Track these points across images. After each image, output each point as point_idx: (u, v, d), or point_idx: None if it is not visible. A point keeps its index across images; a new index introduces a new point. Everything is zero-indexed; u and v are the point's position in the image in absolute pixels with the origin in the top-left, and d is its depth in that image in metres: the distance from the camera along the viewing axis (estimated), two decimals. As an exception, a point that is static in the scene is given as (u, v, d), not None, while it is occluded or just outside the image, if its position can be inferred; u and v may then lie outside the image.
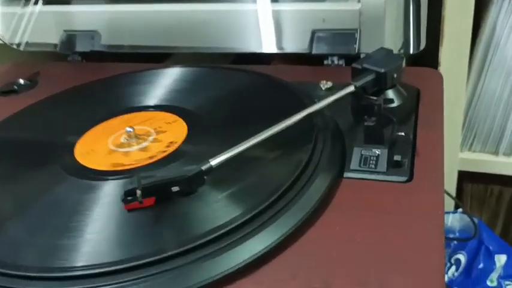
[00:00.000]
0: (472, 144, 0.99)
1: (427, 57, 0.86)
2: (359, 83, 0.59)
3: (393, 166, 0.53)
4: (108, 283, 0.43)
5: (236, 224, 0.45)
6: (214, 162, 0.50)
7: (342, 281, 0.43)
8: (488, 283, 0.96)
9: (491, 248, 0.97)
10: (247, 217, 0.46)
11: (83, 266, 0.44)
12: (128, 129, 0.59)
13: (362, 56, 0.77)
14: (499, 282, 0.95)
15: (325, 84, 0.69)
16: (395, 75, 0.61)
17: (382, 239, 0.46)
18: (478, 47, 0.89)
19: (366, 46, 0.78)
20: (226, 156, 0.51)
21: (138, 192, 0.46)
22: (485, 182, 1.08)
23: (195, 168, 0.49)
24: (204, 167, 0.49)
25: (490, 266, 0.97)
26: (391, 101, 0.62)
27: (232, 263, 0.44)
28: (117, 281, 0.42)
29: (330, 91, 0.69)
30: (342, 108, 0.62)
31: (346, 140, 0.58)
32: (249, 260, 0.44)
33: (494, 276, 0.98)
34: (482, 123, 0.96)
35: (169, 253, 0.43)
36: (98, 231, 0.48)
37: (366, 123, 0.55)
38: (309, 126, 0.57)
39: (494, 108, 0.93)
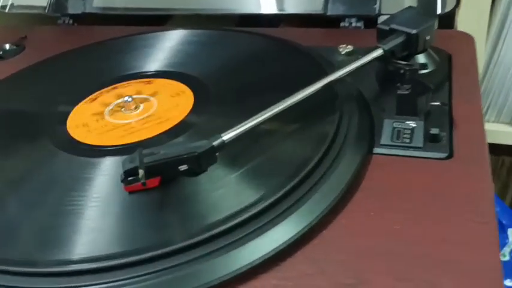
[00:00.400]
0: (485, 114, 0.93)
1: (441, 21, 0.78)
2: (388, 46, 0.52)
3: (430, 140, 0.47)
4: (106, 280, 0.36)
5: (254, 211, 0.39)
6: (226, 137, 0.43)
7: (379, 278, 0.36)
8: (501, 257, 0.91)
9: (504, 222, 0.92)
10: (266, 203, 0.39)
11: (77, 261, 0.38)
12: (127, 98, 0.52)
13: (381, 18, 0.69)
14: (511, 257, 0.91)
15: (344, 48, 0.62)
16: (427, 37, 0.54)
17: (425, 227, 0.39)
18: (496, 12, 0.82)
19: (387, 7, 0.71)
20: (240, 130, 0.44)
21: (141, 171, 0.39)
22: (497, 153, 1.03)
23: (206, 144, 0.42)
24: (215, 143, 0.42)
25: (503, 240, 0.92)
26: (424, 66, 0.54)
27: (251, 257, 0.37)
28: (115, 279, 0.36)
29: (350, 56, 0.62)
30: (363, 75, 0.54)
31: (372, 111, 0.51)
32: (270, 253, 0.38)
33: (506, 250, 0.93)
34: (498, 93, 0.90)
35: (177, 246, 0.37)
36: (93, 219, 0.41)
37: (399, 92, 0.48)
38: (331, 95, 0.50)
39: (510, 78, 0.87)
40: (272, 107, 0.46)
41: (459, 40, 0.64)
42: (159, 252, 0.37)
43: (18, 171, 0.48)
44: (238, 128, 0.44)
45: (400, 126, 0.48)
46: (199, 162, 0.42)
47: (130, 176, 0.41)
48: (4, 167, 0.49)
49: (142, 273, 0.36)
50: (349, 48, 0.62)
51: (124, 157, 0.45)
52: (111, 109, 0.53)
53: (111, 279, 0.36)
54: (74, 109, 0.54)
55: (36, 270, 0.37)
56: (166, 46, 0.64)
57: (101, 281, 0.36)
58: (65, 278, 0.37)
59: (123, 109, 0.53)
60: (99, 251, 0.38)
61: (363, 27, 0.71)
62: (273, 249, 0.38)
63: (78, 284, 0.36)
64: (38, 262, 0.38)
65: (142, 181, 0.39)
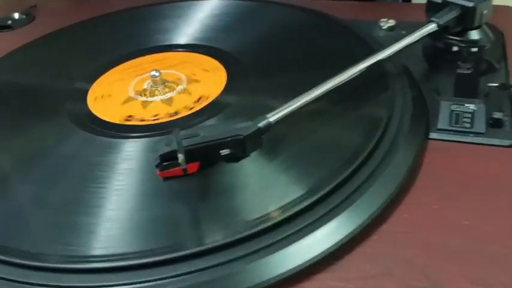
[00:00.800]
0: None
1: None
2: (442, 21, 0.47)
3: (493, 126, 0.42)
4: (131, 281, 0.32)
5: (305, 205, 0.34)
6: (273, 118, 0.39)
7: (454, 281, 0.32)
8: None
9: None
10: (318, 196, 0.35)
11: (97, 257, 0.33)
12: (153, 73, 0.47)
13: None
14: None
15: (386, 23, 0.57)
16: (484, 12, 0.49)
17: (498, 223, 0.35)
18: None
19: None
20: (287, 110, 0.39)
21: (180, 156, 0.35)
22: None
23: (251, 126, 0.37)
24: (261, 124, 0.38)
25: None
26: (478, 43, 0.50)
27: (303, 256, 0.33)
28: (140, 280, 0.32)
29: (392, 31, 0.57)
30: (407, 52, 0.49)
31: (423, 89, 0.47)
32: (325, 252, 0.33)
33: None
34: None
35: (220, 243, 0.33)
36: (115, 209, 0.37)
37: (458, 71, 0.43)
38: (380, 74, 0.45)
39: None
40: (319, 86, 0.41)
41: (508, 15, 0.59)
42: (200, 249, 0.32)
43: (33, 152, 0.43)
44: (284, 108, 0.39)
45: (458, 109, 0.44)
46: (244, 146, 0.37)
47: (166, 161, 0.36)
48: (16, 147, 0.44)
49: (160, 276, 0.32)
50: (391, 22, 0.57)
51: (155, 139, 0.41)
52: (136, 84, 0.48)
53: (138, 280, 0.32)
54: (95, 83, 0.50)
55: (54, 266, 0.33)
56: (197, 17, 0.59)
57: (123, 282, 0.32)
58: (85, 276, 0.33)
59: (149, 85, 0.48)
60: (120, 247, 0.34)
61: (401, 0, 0.66)
62: (328, 248, 0.33)
63: (98, 283, 0.32)
64: (55, 257, 0.33)
65: (183, 167, 0.35)
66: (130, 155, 0.41)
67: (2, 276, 0.33)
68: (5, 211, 0.38)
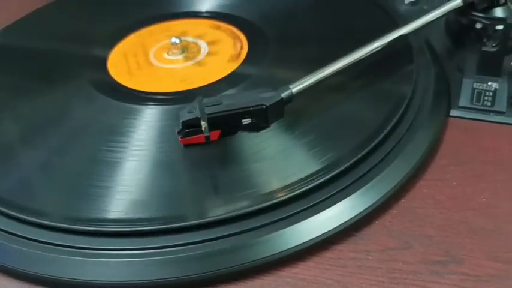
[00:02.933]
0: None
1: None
2: (468, -3, 0.46)
3: (514, 105, 0.42)
4: (147, 246, 0.32)
5: (327, 177, 0.34)
6: (295, 88, 0.38)
7: (472, 257, 0.32)
8: None
9: None
10: (340, 169, 0.35)
11: (116, 220, 0.34)
12: (174, 40, 0.47)
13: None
14: None
15: (409, -3, 0.56)
16: (511, -12, 0.48)
17: (518, 202, 0.35)
18: None
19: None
20: (309, 82, 0.39)
21: (204, 124, 0.35)
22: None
23: (274, 96, 0.37)
24: (284, 94, 0.38)
25: None
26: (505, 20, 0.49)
27: (324, 226, 0.33)
28: (157, 245, 0.32)
29: (415, 6, 0.56)
30: (429, 28, 0.49)
31: (445, 66, 0.46)
32: (346, 223, 0.33)
33: None
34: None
35: (240, 212, 0.33)
36: (136, 174, 0.37)
37: (484, 49, 0.43)
38: (404, 48, 0.45)
39: None
40: (341, 59, 0.41)
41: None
42: (219, 217, 0.33)
43: (53, 116, 0.43)
44: (307, 80, 0.39)
45: (481, 87, 0.43)
46: (266, 116, 0.37)
47: (188, 128, 0.36)
48: (37, 111, 0.44)
49: (179, 242, 0.32)
50: (414, -4, 0.56)
51: (176, 106, 0.41)
52: (157, 51, 0.48)
53: (157, 245, 0.32)
54: (114, 48, 0.49)
55: (72, 227, 0.33)
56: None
57: (145, 246, 0.32)
58: (100, 239, 0.33)
59: (169, 52, 0.47)
60: (143, 212, 0.34)
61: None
62: (349, 219, 0.34)
63: (112, 246, 0.33)
64: (70, 218, 0.34)
65: (206, 134, 0.35)
66: (150, 121, 0.41)
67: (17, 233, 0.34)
68: (23, 173, 0.38)
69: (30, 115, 0.43)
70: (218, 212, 0.33)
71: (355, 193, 0.34)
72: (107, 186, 0.36)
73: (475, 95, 0.43)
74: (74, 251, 0.32)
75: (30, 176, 0.38)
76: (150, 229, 0.32)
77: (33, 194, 0.36)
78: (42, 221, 0.33)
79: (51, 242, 0.33)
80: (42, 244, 0.33)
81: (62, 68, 0.48)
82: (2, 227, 0.34)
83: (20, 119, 0.43)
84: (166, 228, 0.32)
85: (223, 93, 0.41)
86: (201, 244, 0.32)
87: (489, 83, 0.43)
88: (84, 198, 0.35)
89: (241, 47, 0.47)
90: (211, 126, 0.36)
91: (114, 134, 0.40)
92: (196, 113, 0.35)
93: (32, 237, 0.33)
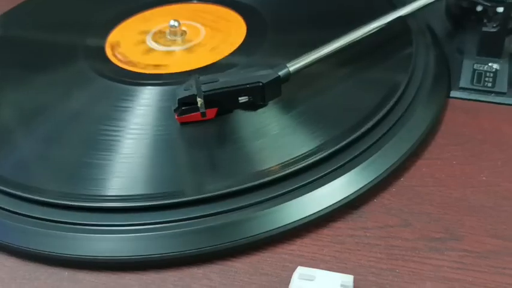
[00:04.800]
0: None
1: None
2: (468, -21, 0.46)
3: (515, 86, 0.41)
4: (150, 221, 0.32)
5: (325, 154, 0.34)
6: (292, 67, 0.38)
7: (472, 234, 0.32)
8: None
9: None
10: (339, 146, 0.35)
11: (114, 196, 0.33)
12: (172, 22, 0.46)
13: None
14: None
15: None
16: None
17: (519, 180, 0.35)
18: None
19: None
20: (307, 61, 0.39)
21: (200, 100, 0.34)
22: None
23: (271, 74, 0.37)
24: (281, 73, 0.37)
25: None
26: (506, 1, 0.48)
27: (322, 203, 0.33)
28: (156, 220, 0.32)
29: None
30: (428, 10, 0.48)
31: (445, 48, 0.46)
32: (344, 200, 0.33)
33: None
34: None
35: (238, 188, 0.32)
36: (139, 151, 0.36)
37: (484, 29, 0.42)
38: (402, 30, 0.45)
39: None
40: (340, 38, 0.40)
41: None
42: (216, 193, 0.32)
43: (52, 97, 0.43)
44: (304, 59, 0.39)
45: (481, 68, 0.43)
46: (263, 94, 0.37)
47: (184, 105, 0.36)
48: (37, 92, 0.43)
49: (175, 218, 0.32)
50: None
51: (172, 87, 0.40)
52: (154, 34, 0.48)
53: (155, 220, 0.32)
54: (112, 32, 0.49)
55: (77, 204, 0.33)
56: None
57: (143, 221, 0.32)
58: (98, 214, 0.32)
59: (167, 35, 0.47)
60: (142, 189, 0.34)
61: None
62: (347, 196, 0.33)
63: (104, 222, 0.32)
64: (70, 195, 0.33)
65: (202, 111, 0.34)
66: (147, 102, 0.40)
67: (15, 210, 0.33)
68: (24, 152, 0.38)
69: (29, 98, 0.43)
70: (215, 188, 0.32)
71: (353, 170, 0.34)
72: (105, 163, 0.35)
73: (475, 76, 0.42)
74: (72, 227, 0.32)
75: (29, 155, 0.38)
76: (146, 205, 0.32)
77: (32, 172, 0.36)
78: (41, 198, 0.33)
79: (50, 218, 0.33)
80: (40, 221, 0.33)
81: (60, 52, 0.48)
82: (2, 206, 0.34)
83: (19, 101, 0.43)
84: (162, 204, 0.32)
85: (221, 72, 0.41)
86: (197, 220, 0.31)
87: (490, 64, 0.43)
88: (83, 176, 0.35)
89: (240, 31, 0.47)
90: (208, 103, 0.35)
91: (112, 115, 0.39)
92: (193, 90, 0.35)
93: (31, 214, 0.33)
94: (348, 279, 0.27)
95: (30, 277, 0.32)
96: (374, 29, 0.42)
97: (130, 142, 0.37)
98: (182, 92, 0.36)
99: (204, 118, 0.35)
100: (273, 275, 0.30)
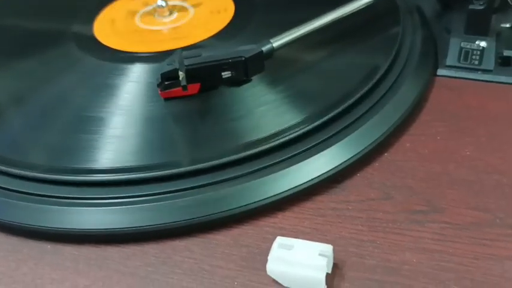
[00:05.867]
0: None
1: None
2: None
3: (502, 63, 0.41)
4: (131, 194, 0.32)
5: (309, 127, 0.34)
6: (276, 43, 0.38)
7: (453, 206, 0.32)
8: None
9: None
10: (322, 120, 0.34)
11: (105, 170, 0.33)
12: (160, 2, 0.46)
13: None
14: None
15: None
16: None
17: (499, 155, 0.35)
18: None
19: None
20: (291, 36, 0.39)
21: (181, 74, 0.34)
22: None
23: (254, 49, 0.37)
24: (264, 48, 0.37)
25: None
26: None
27: (305, 176, 0.33)
28: (137, 193, 0.32)
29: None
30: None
31: (433, 28, 0.46)
32: (326, 174, 0.33)
33: None
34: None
35: (223, 160, 0.32)
36: (123, 127, 0.36)
37: (471, 7, 0.42)
38: (390, 8, 0.45)
39: None
40: (325, 15, 0.40)
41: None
42: (198, 167, 0.32)
43: (42, 76, 0.43)
44: (289, 35, 0.39)
45: (468, 46, 0.43)
46: (246, 69, 0.37)
47: (167, 80, 0.36)
48: (26, 71, 0.43)
49: (163, 190, 0.32)
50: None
51: (157, 64, 0.40)
52: (143, 14, 0.48)
53: (136, 193, 0.32)
54: (101, 14, 0.49)
55: (60, 178, 0.33)
56: None
57: (124, 194, 0.32)
58: (89, 188, 0.33)
59: (155, 14, 0.47)
60: (124, 162, 0.34)
61: None
62: (329, 170, 0.33)
63: (86, 195, 0.32)
64: (61, 170, 0.33)
65: (183, 84, 0.34)
66: (135, 78, 0.40)
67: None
68: (14, 128, 0.38)
69: (20, 77, 0.43)
70: (197, 161, 0.32)
71: (336, 144, 0.34)
72: (95, 138, 0.35)
73: (462, 54, 0.42)
74: (54, 201, 0.32)
75: (18, 131, 0.38)
76: (127, 178, 0.32)
77: (20, 147, 0.36)
78: (24, 172, 0.33)
79: (32, 192, 0.33)
80: (23, 194, 0.33)
81: (49, 34, 0.48)
82: None
83: (10, 80, 0.43)
84: (144, 177, 0.32)
85: (206, 47, 0.41)
86: (179, 193, 0.32)
87: (477, 42, 0.43)
88: (68, 151, 0.35)
89: (227, 10, 0.47)
90: (191, 78, 0.35)
91: (101, 92, 0.39)
92: (175, 65, 0.35)
93: (14, 188, 0.33)
94: (327, 248, 0.28)
95: (13, 250, 0.32)
96: (361, 5, 0.42)
97: (119, 118, 0.37)
98: (165, 67, 0.36)
99: (185, 92, 0.35)
100: (253, 247, 0.30)
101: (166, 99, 0.37)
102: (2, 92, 0.42)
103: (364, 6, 0.41)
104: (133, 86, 0.40)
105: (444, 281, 0.28)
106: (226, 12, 0.46)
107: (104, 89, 0.40)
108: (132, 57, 0.43)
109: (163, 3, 0.46)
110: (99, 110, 0.38)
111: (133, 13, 0.48)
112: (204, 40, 0.43)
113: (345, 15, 0.40)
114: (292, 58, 0.40)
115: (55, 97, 0.40)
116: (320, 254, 0.27)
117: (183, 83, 0.34)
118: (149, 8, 0.48)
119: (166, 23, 0.46)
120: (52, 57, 0.45)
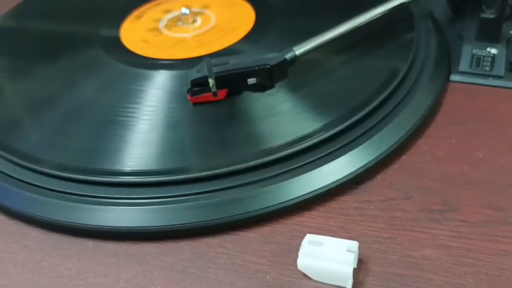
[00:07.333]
0: None
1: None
2: (467, -33, 0.48)
3: (512, 70, 0.44)
4: (168, 194, 0.34)
5: (332, 132, 0.36)
6: (299, 51, 0.40)
7: (468, 206, 0.34)
8: None
9: None
10: (345, 125, 0.37)
11: (126, 172, 0.36)
12: (184, 10, 0.48)
13: None
14: None
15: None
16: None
17: (509, 157, 0.37)
18: None
19: None
20: (312, 44, 0.41)
21: (211, 81, 0.36)
22: None
23: (278, 56, 0.39)
24: (288, 56, 0.39)
25: None
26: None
27: (328, 178, 0.35)
28: (173, 194, 0.34)
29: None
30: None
31: (445, 34, 0.48)
32: (349, 175, 0.35)
33: None
34: None
35: (248, 164, 0.35)
36: (148, 131, 0.39)
37: (482, 15, 0.44)
38: (405, 15, 0.47)
39: None
40: (344, 23, 0.42)
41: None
42: (239, 167, 0.35)
43: (70, 80, 0.45)
44: (310, 42, 0.41)
45: (480, 53, 0.45)
46: (270, 76, 0.39)
47: (197, 86, 0.38)
48: (55, 74, 0.46)
49: (187, 192, 0.34)
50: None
51: (184, 71, 0.42)
52: (167, 21, 0.50)
53: (173, 194, 0.34)
54: (126, 20, 0.51)
55: (88, 178, 0.35)
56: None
57: (162, 195, 0.34)
58: (129, 189, 0.35)
59: (179, 22, 0.49)
60: (162, 165, 0.36)
61: None
62: (352, 172, 0.36)
63: (126, 195, 0.35)
64: (89, 170, 0.36)
65: (213, 90, 0.37)
66: (159, 85, 0.42)
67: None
68: (45, 129, 0.40)
69: (49, 82, 0.45)
70: (230, 164, 0.35)
71: (357, 148, 0.36)
72: (121, 142, 0.38)
73: (474, 61, 0.44)
74: (97, 201, 0.35)
75: (56, 133, 0.40)
76: (168, 179, 0.34)
77: (56, 149, 0.38)
78: (68, 174, 0.35)
79: (76, 192, 0.35)
80: (67, 195, 0.35)
81: (77, 40, 0.50)
82: (30, 181, 0.36)
83: (39, 85, 0.45)
84: (181, 178, 0.34)
85: (231, 55, 0.43)
86: (214, 193, 0.34)
87: (488, 49, 0.45)
88: (103, 152, 0.37)
89: (248, 16, 0.49)
90: (219, 85, 0.38)
91: (127, 97, 0.41)
92: (204, 72, 0.37)
93: (68, 191, 0.35)
94: (353, 244, 0.30)
95: (56, 246, 0.34)
96: (378, 14, 0.44)
97: (145, 122, 0.39)
98: (194, 74, 0.38)
99: (215, 98, 0.38)
100: (282, 243, 0.33)
101: (194, 104, 0.39)
102: (32, 95, 0.44)
103: (380, 15, 0.43)
104: (159, 92, 0.42)
105: (461, 275, 0.30)
106: (248, 18, 0.48)
107: (130, 95, 0.41)
108: (157, 64, 0.45)
109: (187, 11, 0.49)
110: (127, 115, 0.40)
111: (157, 20, 0.50)
112: (227, 47, 0.45)
113: (363, 23, 0.42)
114: (311, 64, 0.42)
115: (83, 103, 0.42)
116: (348, 250, 0.29)
117: (214, 89, 0.36)
118: (173, 15, 0.50)
119: (189, 30, 0.49)
120: (80, 62, 0.47)
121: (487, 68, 0.44)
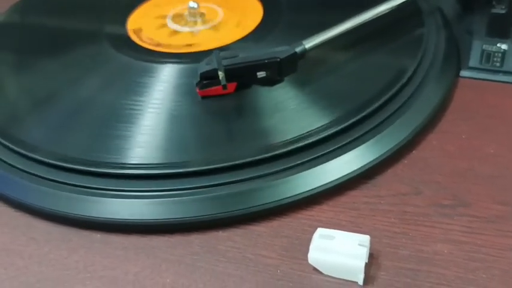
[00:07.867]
0: None
1: None
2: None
3: (522, 65, 0.43)
4: (176, 187, 0.34)
5: (342, 126, 0.36)
6: (308, 44, 0.40)
7: (479, 200, 0.34)
8: None
9: None
10: (355, 119, 0.36)
11: (135, 164, 0.35)
12: (192, 4, 0.48)
13: None
14: None
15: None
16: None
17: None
18: None
19: None
20: (322, 38, 0.41)
21: (221, 73, 0.36)
22: None
23: (288, 50, 0.39)
24: (297, 49, 0.39)
25: None
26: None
27: (338, 172, 0.35)
28: (182, 186, 0.34)
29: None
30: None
31: (454, 30, 0.48)
32: (359, 170, 0.35)
33: None
34: None
35: (257, 157, 0.34)
36: (155, 125, 0.38)
37: (493, 11, 0.44)
38: (413, 11, 0.46)
39: None
40: (354, 18, 0.42)
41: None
42: (248, 160, 0.34)
43: (76, 73, 0.44)
44: (320, 36, 0.40)
45: (490, 48, 0.44)
46: (280, 69, 0.39)
47: (206, 79, 0.38)
48: (62, 68, 0.45)
49: (192, 185, 0.34)
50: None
51: (193, 65, 0.42)
52: (173, 16, 0.49)
53: (181, 186, 0.34)
54: (133, 14, 0.50)
55: (93, 170, 0.35)
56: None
57: (170, 187, 0.34)
58: (137, 182, 0.35)
59: (187, 16, 0.49)
60: (171, 158, 0.36)
61: None
62: (362, 166, 0.35)
63: (131, 188, 0.34)
64: (97, 162, 0.36)
65: (223, 83, 0.36)
66: (167, 78, 0.42)
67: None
68: (53, 123, 0.40)
69: (56, 75, 0.45)
70: (238, 158, 0.34)
71: (367, 143, 0.36)
72: (127, 134, 0.37)
73: (484, 56, 0.44)
74: (105, 193, 0.34)
75: (59, 127, 0.39)
76: (175, 172, 0.34)
77: (65, 142, 0.38)
78: (73, 166, 0.35)
79: (84, 184, 0.35)
80: (75, 187, 0.35)
81: (82, 34, 0.50)
82: (38, 173, 0.36)
83: (47, 77, 0.45)
84: (189, 171, 0.34)
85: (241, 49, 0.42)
86: (222, 186, 0.34)
87: (498, 45, 0.44)
88: (111, 145, 0.37)
89: (256, 11, 0.48)
90: (228, 78, 0.37)
91: (134, 90, 0.41)
92: (214, 65, 0.37)
93: (76, 183, 0.35)
94: (365, 238, 0.29)
95: (64, 239, 0.34)
96: (387, 9, 0.43)
97: (151, 115, 0.39)
98: (204, 67, 0.38)
99: (225, 91, 0.37)
100: (293, 237, 0.32)
101: (204, 96, 0.39)
102: (41, 89, 0.44)
103: (389, 10, 0.43)
104: (165, 85, 0.41)
105: (474, 270, 0.30)
106: (255, 13, 0.48)
107: (137, 88, 0.41)
108: (163, 58, 0.44)
109: (195, 5, 0.48)
110: (134, 108, 0.40)
111: (165, 14, 0.50)
112: (235, 41, 0.45)
113: (372, 18, 0.42)
114: (321, 60, 0.42)
115: (90, 95, 0.42)
116: (359, 244, 0.29)
117: (223, 82, 0.36)
118: (181, 8, 0.50)
119: (197, 24, 0.48)
120: (87, 55, 0.47)
121: (497, 64, 0.43)
